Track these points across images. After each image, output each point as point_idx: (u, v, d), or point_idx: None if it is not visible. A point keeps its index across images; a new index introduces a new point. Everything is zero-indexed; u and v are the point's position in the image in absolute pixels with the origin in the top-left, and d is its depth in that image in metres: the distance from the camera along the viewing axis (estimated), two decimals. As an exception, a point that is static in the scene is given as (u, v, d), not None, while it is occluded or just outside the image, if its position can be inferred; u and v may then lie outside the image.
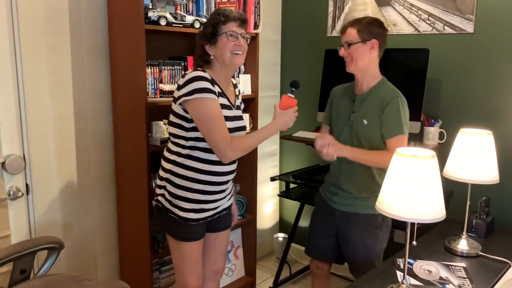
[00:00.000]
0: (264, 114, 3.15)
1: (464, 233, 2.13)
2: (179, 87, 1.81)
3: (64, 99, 2.30)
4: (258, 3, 2.77)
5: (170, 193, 1.91)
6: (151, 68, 2.41)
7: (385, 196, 1.63)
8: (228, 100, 1.93)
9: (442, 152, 2.65)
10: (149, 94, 2.40)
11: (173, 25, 2.36)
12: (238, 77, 2.86)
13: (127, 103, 2.35)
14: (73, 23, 2.29)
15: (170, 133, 1.93)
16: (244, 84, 2.85)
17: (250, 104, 2.89)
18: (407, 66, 2.70)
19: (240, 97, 2.13)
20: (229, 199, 2.13)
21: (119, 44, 2.35)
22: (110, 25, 2.39)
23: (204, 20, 2.54)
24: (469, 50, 2.60)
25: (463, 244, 2.10)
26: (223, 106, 1.86)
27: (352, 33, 2.03)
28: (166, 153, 1.96)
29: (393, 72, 2.79)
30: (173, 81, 2.54)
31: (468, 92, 2.63)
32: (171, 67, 2.51)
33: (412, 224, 1.70)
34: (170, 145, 1.94)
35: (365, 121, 2.04)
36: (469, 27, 2.58)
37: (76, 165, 2.38)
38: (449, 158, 2.13)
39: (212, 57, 1.88)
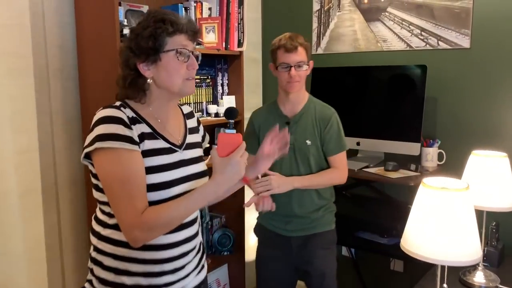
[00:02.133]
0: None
1: (481, 264, 1.96)
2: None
3: (27, 130, 1.99)
4: (242, 19, 2.56)
5: (100, 280, 1.30)
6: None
7: (411, 235, 1.43)
8: (167, 141, 1.31)
9: (443, 174, 2.50)
10: (126, 121, 2.13)
11: (151, 43, 2.11)
12: (222, 98, 2.63)
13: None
14: (36, 43, 2.00)
15: (95, 199, 1.34)
16: (228, 106, 2.62)
17: (235, 128, 2.66)
18: (403, 84, 2.55)
19: (200, 128, 1.54)
20: (198, 274, 1.45)
21: (90, 66, 2.08)
22: (80, 44, 2.11)
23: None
24: (466, 66, 2.48)
25: (480, 277, 1.93)
26: (156, 152, 1.27)
27: (303, 54, 1.96)
28: (92, 222, 1.37)
29: (388, 91, 2.65)
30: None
31: (467, 110, 2.50)
32: (149, 90, 2.26)
33: (443, 266, 1.50)
34: (97, 212, 1.36)
35: (308, 142, 1.99)
36: (465, 42, 2.46)
37: (42, 206, 2.06)
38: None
39: (149, 80, 1.27)
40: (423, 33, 2.60)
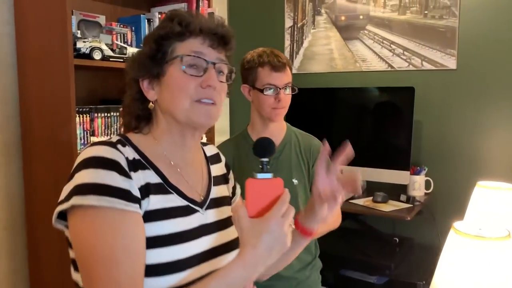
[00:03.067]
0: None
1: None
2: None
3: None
4: (212, 34, 2.28)
5: None
6: (80, 116, 1.79)
7: (443, 291, 1.19)
8: (184, 196, 0.89)
9: (432, 203, 2.34)
10: (79, 151, 1.77)
11: (111, 59, 1.78)
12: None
13: (49, 168, 1.70)
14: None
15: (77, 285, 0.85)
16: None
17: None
18: (388, 107, 2.37)
19: (230, 177, 1.10)
20: None
21: (35, 86, 1.72)
22: (21, 59, 1.75)
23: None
24: (452, 88, 2.33)
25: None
26: (167, 213, 0.84)
27: (290, 74, 1.59)
28: None
29: (372, 115, 2.46)
30: (109, 133, 1.94)
31: (454, 135, 2.35)
32: (105, 114, 1.91)
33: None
34: None
35: (295, 181, 1.59)
36: (451, 63, 2.32)
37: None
38: (465, 218, 1.78)
39: (151, 104, 0.91)
40: (405, 52, 2.44)
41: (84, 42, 1.70)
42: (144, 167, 0.85)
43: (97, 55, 1.73)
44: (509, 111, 2.20)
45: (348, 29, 2.61)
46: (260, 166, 0.85)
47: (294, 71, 2.79)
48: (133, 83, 0.91)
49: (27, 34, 1.72)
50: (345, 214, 2.42)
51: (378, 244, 2.39)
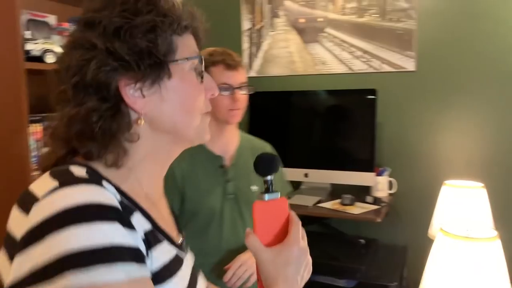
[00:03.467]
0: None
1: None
2: (19, 247, 0.54)
3: None
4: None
5: None
6: (32, 126, 1.62)
7: (433, 296, 1.18)
8: (172, 241, 0.72)
9: (397, 204, 2.37)
10: (32, 166, 1.60)
11: (65, 63, 1.64)
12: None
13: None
14: None
15: None
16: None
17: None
18: (351, 109, 2.38)
19: None
20: None
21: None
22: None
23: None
24: (412, 89, 2.38)
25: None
26: (169, 270, 0.67)
27: (244, 72, 1.52)
28: None
29: (334, 117, 2.45)
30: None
31: (414, 135, 2.39)
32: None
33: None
34: None
35: (254, 188, 1.52)
36: (410, 65, 2.36)
37: None
38: (433, 218, 1.81)
39: (140, 122, 0.66)
40: (365, 55, 2.46)
41: (35, 44, 1.55)
42: (131, 210, 0.63)
43: (50, 58, 1.58)
44: (467, 111, 2.27)
45: (307, 32, 2.59)
46: (266, 186, 0.75)
47: (253, 74, 2.73)
48: (100, 88, 0.63)
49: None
50: (312, 218, 2.42)
51: (344, 246, 2.38)
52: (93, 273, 0.50)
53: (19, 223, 0.57)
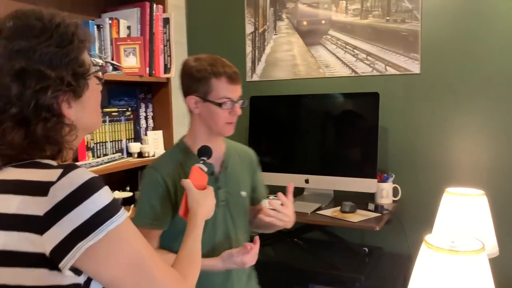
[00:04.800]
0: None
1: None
2: (47, 221, 0.73)
3: None
4: (168, 40, 2.16)
5: None
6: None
7: (417, 312, 1.11)
8: None
9: (401, 211, 2.28)
10: None
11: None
12: (146, 135, 2.18)
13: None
14: None
15: None
16: (154, 143, 2.18)
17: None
18: (353, 113, 2.31)
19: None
20: None
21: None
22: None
23: (98, 60, 1.86)
24: (416, 92, 2.29)
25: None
26: None
27: (240, 89, 1.48)
28: None
29: (336, 121, 2.38)
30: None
31: (419, 140, 2.30)
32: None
33: None
34: None
35: (243, 193, 1.53)
36: (415, 67, 2.28)
37: None
38: (435, 226, 1.72)
39: (73, 125, 0.86)
40: (369, 57, 2.39)
41: None
42: None
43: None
44: (474, 115, 2.18)
45: (310, 35, 2.54)
46: (202, 162, 1.30)
47: (256, 78, 2.69)
48: (42, 106, 0.81)
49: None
50: (313, 226, 2.35)
51: (347, 255, 2.30)
52: (115, 217, 0.77)
53: (29, 204, 0.74)
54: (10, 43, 0.78)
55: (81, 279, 0.77)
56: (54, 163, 0.83)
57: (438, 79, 2.24)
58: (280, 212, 1.40)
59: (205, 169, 1.27)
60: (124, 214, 0.80)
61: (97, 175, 0.80)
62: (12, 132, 0.79)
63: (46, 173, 0.77)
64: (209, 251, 1.42)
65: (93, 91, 0.89)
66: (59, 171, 0.76)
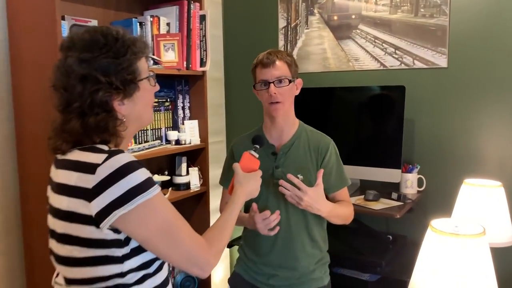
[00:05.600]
0: (212, 166, 2.64)
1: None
2: (93, 192, 0.98)
3: None
4: (204, 36, 2.31)
5: None
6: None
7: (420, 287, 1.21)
8: None
9: (424, 201, 2.35)
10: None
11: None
12: (183, 123, 2.35)
13: (43, 170, 1.74)
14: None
15: (77, 280, 1.05)
16: (190, 132, 2.35)
17: (199, 155, 2.39)
18: (380, 106, 2.39)
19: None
20: None
21: (28, 91, 1.76)
22: (14, 65, 1.79)
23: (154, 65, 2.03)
24: (444, 86, 2.34)
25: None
26: None
27: (284, 68, 1.63)
28: None
29: (363, 114, 2.47)
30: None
31: (446, 132, 2.36)
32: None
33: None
34: None
35: (300, 176, 1.62)
36: (442, 61, 2.33)
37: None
38: (453, 216, 1.80)
39: (124, 119, 1.09)
40: (397, 51, 2.45)
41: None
42: None
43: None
44: (500, 109, 2.21)
45: (340, 29, 2.63)
46: (254, 149, 1.45)
47: (288, 71, 2.80)
48: (102, 105, 1.04)
49: (19, 39, 1.76)
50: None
51: (371, 242, 2.40)
52: (145, 195, 0.98)
53: (83, 179, 0.99)
54: (80, 54, 1.02)
55: (121, 236, 1.00)
56: (106, 148, 1.04)
57: (465, 73, 2.28)
58: (296, 190, 1.52)
59: (256, 155, 1.42)
60: (155, 191, 1.00)
61: (136, 159, 1.00)
62: (73, 122, 1.03)
63: (96, 156, 1.00)
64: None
65: (145, 92, 1.10)
66: (105, 155, 0.99)
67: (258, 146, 1.47)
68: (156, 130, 2.27)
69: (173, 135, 2.28)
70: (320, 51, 2.70)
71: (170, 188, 2.32)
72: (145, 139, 2.19)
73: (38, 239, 1.81)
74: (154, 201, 1.01)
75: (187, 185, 2.32)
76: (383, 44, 2.50)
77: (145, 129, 2.19)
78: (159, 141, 2.26)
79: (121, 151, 1.02)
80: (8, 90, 1.82)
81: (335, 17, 2.64)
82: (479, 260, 1.16)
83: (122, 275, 1.02)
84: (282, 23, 2.81)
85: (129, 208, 0.96)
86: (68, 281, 1.06)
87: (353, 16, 2.58)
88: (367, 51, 2.55)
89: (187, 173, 2.35)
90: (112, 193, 0.96)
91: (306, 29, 2.74)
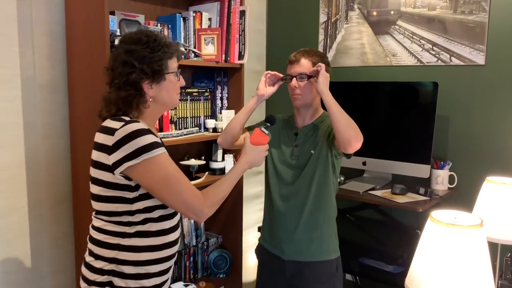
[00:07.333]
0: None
1: (495, 302, 1.80)
2: (112, 149, 1.32)
3: (12, 145, 1.89)
4: (243, 30, 2.44)
5: None
6: (119, 105, 2.03)
7: (418, 276, 1.28)
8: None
9: (454, 198, 2.36)
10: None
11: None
12: (221, 113, 2.51)
13: (90, 149, 1.96)
14: (24, 52, 1.90)
15: (101, 212, 1.41)
16: (227, 120, 2.49)
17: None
18: (413, 101, 2.41)
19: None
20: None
21: (80, 78, 1.97)
22: (70, 55, 2.01)
23: (183, 49, 2.20)
24: (480, 83, 2.33)
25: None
26: None
27: (306, 65, 1.87)
28: (101, 236, 1.41)
29: (397, 108, 2.51)
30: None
31: (480, 131, 2.34)
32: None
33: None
34: (106, 226, 1.40)
35: (313, 151, 1.88)
36: (479, 59, 2.31)
37: (28, 225, 1.95)
38: (474, 212, 1.82)
39: (150, 99, 1.42)
40: (434, 48, 2.46)
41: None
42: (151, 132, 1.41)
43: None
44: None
45: (379, 24, 2.66)
46: (264, 126, 1.65)
47: (327, 65, 2.87)
48: (134, 84, 1.39)
49: (74, 33, 1.97)
50: (367, 205, 2.52)
51: (398, 235, 2.45)
52: (151, 152, 1.30)
53: (107, 139, 1.33)
54: (127, 46, 1.39)
55: (132, 183, 1.34)
56: (127, 118, 1.37)
57: (503, 71, 2.25)
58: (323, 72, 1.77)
59: (266, 132, 1.63)
60: (159, 151, 1.32)
61: (146, 127, 1.34)
62: (112, 94, 1.39)
63: (117, 123, 1.34)
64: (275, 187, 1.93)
65: (170, 83, 1.43)
66: (123, 123, 1.33)
67: (269, 124, 1.69)
68: (196, 118, 2.44)
69: (210, 123, 2.44)
70: (359, 46, 2.75)
71: (206, 172, 2.48)
72: (185, 126, 2.36)
73: (85, 209, 2.03)
74: (158, 159, 1.32)
75: (222, 170, 2.48)
76: (421, 40, 2.51)
77: (185, 116, 2.36)
78: (197, 128, 2.43)
79: (136, 121, 1.35)
80: (64, 77, 2.04)
81: (374, 13, 2.67)
82: (475, 251, 1.20)
83: (131, 213, 1.36)
84: (322, 18, 2.88)
85: (136, 162, 1.29)
86: (96, 212, 1.43)
87: (392, 12, 2.60)
88: (404, 47, 2.57)
89: (223, 159, 2.50)
90: (124, 149, 1.30)
91: (346, 24, 2.79)
